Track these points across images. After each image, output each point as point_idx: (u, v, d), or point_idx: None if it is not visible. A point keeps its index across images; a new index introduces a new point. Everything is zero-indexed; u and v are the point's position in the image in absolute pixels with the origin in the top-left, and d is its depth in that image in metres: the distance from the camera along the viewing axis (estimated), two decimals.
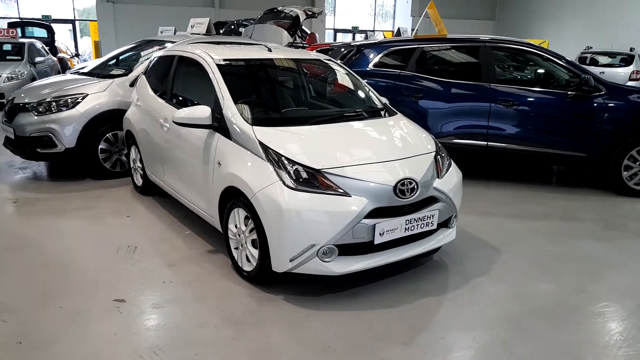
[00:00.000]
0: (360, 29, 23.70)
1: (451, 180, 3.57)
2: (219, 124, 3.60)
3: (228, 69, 3.96)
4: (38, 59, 11.57)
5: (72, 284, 3.39)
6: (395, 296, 3.31)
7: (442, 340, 2.85)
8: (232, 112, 3.54)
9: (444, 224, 3.58)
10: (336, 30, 24.40)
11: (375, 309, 3.15)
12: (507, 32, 21.70)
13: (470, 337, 2.88)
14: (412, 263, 3.72)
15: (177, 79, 4.54)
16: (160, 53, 5.06)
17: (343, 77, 4.52)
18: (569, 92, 5.60)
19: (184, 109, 3.73)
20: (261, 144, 3.25)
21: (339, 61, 4.76)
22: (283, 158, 3.14)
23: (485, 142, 5.83)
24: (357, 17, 24.70)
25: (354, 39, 22.48)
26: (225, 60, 4.03)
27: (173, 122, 3.77)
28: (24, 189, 5.43)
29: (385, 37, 15.60)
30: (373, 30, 23.28)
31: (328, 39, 22.58)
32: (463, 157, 6.14)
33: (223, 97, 3.67)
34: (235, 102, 3.63)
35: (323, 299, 3.23)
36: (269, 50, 4.39)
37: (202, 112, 3.62)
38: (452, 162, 3.78)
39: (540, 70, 6.43)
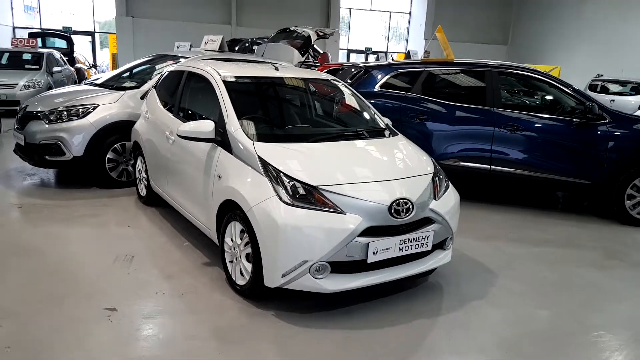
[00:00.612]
0: (373, 50, 23.92)
1: (448, 202, 3.58)
2: (221, 139, 3.66)
3: (234, 86, 4.04)
4: (55, 68, 11.83)
5: (68, 291, 3.43)
6: (388, 316, 3.30)
7: None
8: (235, 127, 3.61)
9: (440, 246, 3.59)
10: (350, 51, 24.66)
11: (367, 328, 3.15)
12: (520, 57, 21.76)
13: None
14: (407, 284, 3.72)
15: (185, 94, 4.63)
16: (171, 68, 5.17)
17: (347, 97, 4.58)
18: (574, 119, 5.61)
19: (189, 122, 3.81)
20: (260, 159, 3.30)
21: (343, 82, 4.81)
22: (281, 174, 3.19)
23: (489, 166, 5.84)
24: (370, 38, 24.95)
25: (366, 59, 22.68)
26: (231, 77, 4.11)
27: (177, 135, 3.84)
28: (31, 195, 5.52)
29: (394, 59, 15.74)
30: (385, 52, 23.48)
31: (341, 59, 22.82)
32: (466, 180, 6.17)
33: (227, 112, 3.74)
34: (239, 117, 3.69)
35: (315, 316, 3.24)
36: (276, 68, 4.48)
37: (205, 126, 3.69)
38: (450, 185, 3.80)
39: (546, 97, 6.46)
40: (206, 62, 4.58)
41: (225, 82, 3.98)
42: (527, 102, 6.95)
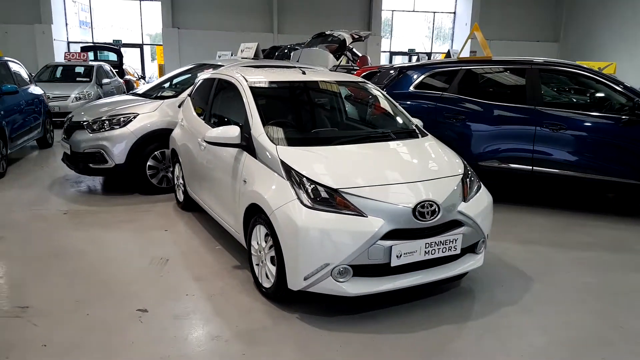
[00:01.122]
0: (417, 51, 23.63)
1: (479, 204, 3.47)
2: (247, 143, 3.71)
3: (260, 91, 4.09)
4: (105, 80, 12.38)
5: (103, 293, 3.56)
6: (413, 321, 3.24)
7: None
8: (259, 132, 3.65)
9: (471, 250, 3.48)
10: (392, 53, 24.47)
11: (392, 332, 3.10)
12: (572, 55, 20.96)
13: None
14: (436, 288, 3.64)
15: (215, 100, 4.73)
16: (205, 76, 5.29)
17: (375, 98, 4.54)
18: (622, 117, 5.33)
19: (216, 128, 3.88)
20: (283, 162, 3.32)
21: (371, 83, 4.77)
22: (303, 177, 3.19)
23: (531, 167, 5.63)
24: (414, 40, 24.68)
25: (409, 61, 22.44)
26: (258, 82, 4.17)
27: (205, 141, 3.93)
28: (76, 202, 5.78)
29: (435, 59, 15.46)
30: (427, 53, 23.15)
31: (384, 61, 22.69)
32: (507, 181, 5.98)
33: (252, 117, 3.79)
34: (265, 122, 3.74)
35: (338, 319, 3.22)
36: (303, 73, 4.50)
37: (231, 131, 3.75)
38: (482, 186, 3.68)
39: (592, 94, 6.16)
40: (235, 69, 4.66)
41: (252, 88, 4.03)
42: (572, 100, 6.67)
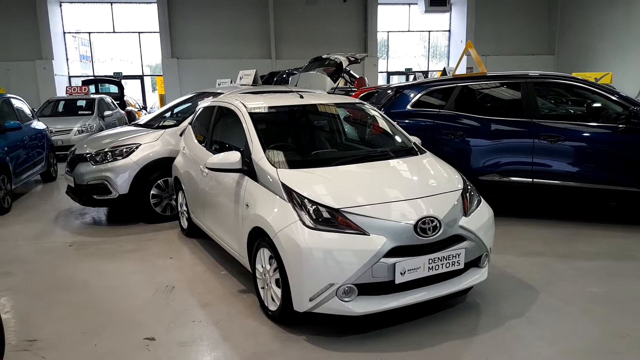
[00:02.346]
0: (413, 70, 23.86)
1: (480, 218, 3.50)
2: (248, 168, 3.76)
3: (259, 116, 4.17)
4: (107, 112, 12.54)
5: (109, 322, 3.57)
6: (420, 338, 3.24)
7: None
8: (259, 156, 3.70)
9: (475, 264, 3.50)
10: (389, 73, 24.71)
11: (399, 350, 3.10)
12: (568, 67, 21.10)
13: None
14: (442, 304, 3.64)
15: (216, 127, 4.80)
16: (205, 104, 5.37)
17: (373, 118, 4.60)
18: (619, 125, 5.38)
19: (217, 154, 3.94)
20: (284, 185, 3.36)
21: (368, 103, 4.85)
22: (304, 199, 3.23)
23: (531, 179, 5.67)
24: (411, 59, 24.94)
25: (406, 80, 22.64)
26: (257, 108, 4.24)
27: (206, 167, 3.98)
28: (81, 233, 5.82)
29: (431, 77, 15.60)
30: (424, 72, 23.37)
31: (381, 82, 22.90)
32: (508, 194, 6.01)
33: (252, 141, 3.86)
34: (265, 146, 3.79)
35: (346, 339, 3.22)
36: (301, 96, 4.58)
37: (232, 157, 3.81)
38: (483, 200, 3.71)
39: (588, 104, 6.23)
40: (235, 96, 4.74)
41: (251, 114, 4.11)
42: (568, 111, 6.73)
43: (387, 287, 3.12)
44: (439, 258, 3.20)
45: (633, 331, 3.29)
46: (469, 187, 3.70)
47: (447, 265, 3.25)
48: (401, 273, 3.08)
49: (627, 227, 5.49)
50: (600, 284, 4.05)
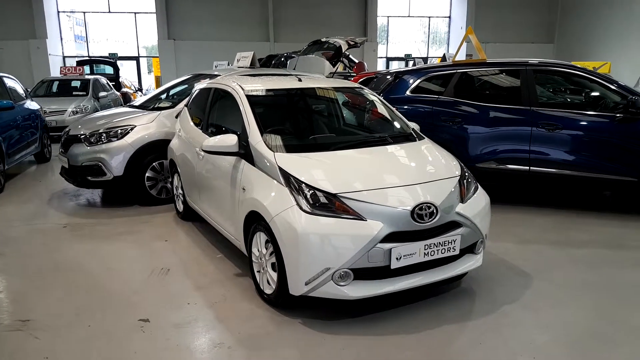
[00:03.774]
0: (413, 56, 23.74)
1: (476, 205, 3.49)
2: (245, 151, 3.73)
3: (257, 99, 4.12)
4: (102, 93, 12.40)
5: (104, 304, 3.56)
6: (415, 322, 3.25)
7: None
8: (256, 139, 3.67)
9: (470, 250, 3.50)
10: (389, 59, 24.57)
11: (394, 334, 3.11)
12: (568, 55, 21.06)
13: None
14: (437, 289, 3.65)
15: (213, 110, 4.75)
16: (201, 86, 5.32)
17: (372, 104, 4.57)
18: (617, 115, 5.37)
19: (214, 137, 3.90)
20: (281, 169, 3.34)
21: (367, 88, 4.81)
22: (301, 183, 3.21)
23: (528, 167, 5.66)
24: (410, 45, 24.79)
25: (406, 66, 22.52)
26: (254, 90, 4.20)
27: (203, 150, 3.95)
28: (75, 215, 5.79)
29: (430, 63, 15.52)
30: (424, 58, 23.26)
31: (381, 67, 22.78)
32: (504, 182, 6.01)
33: (249, 125, 3.82)
34: (262, 130, 3.76)
35: (341, 323, 3.23)
36: (299, 80, 4.53)
37: (229, 140, 3.78)
38: (480, 187, 3.71)
39: (586, 93, 6.21)
40: (232, 78, 4.69)
41: (248, 96, 4.06)
42: (567, 100, 6.71)
43: (383, 272, 3.12)
44: (434, 244, 3.20)
45: (625, 318, 3.32)
46: (466, 173, 3.69)
47: (443, 251, 3.25)
48: (397, 258, 3.08)
49: (621, 216, 5.51)
50: (593, 271, 4.07)
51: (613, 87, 5.54)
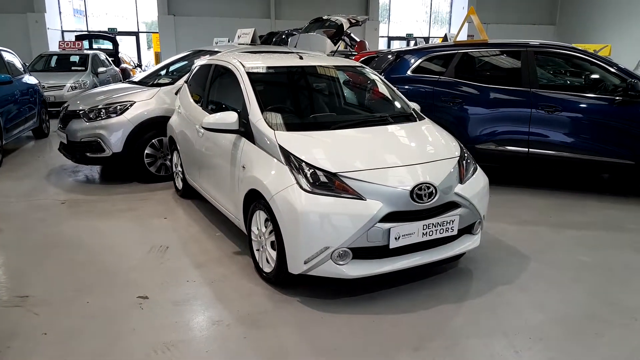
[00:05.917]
0: (415, 36, 23.51)
1: (475, 185, 3.50)
2: (245, 129, 3.72)
3: (257, 76, 4.09)
4: (101, 69, 12.28)
5: (102, 281, 3.59)
6: (412, 301, 3.28)
7: (453, 347, 2.81)
8: (257, 117, 3.65)
9: (468, 230, 3.52)
10: (390, 38, 24.33)
11: (392, 313, 3.14)
12: (569, 37, 20.87)
13: (482, 345, 2.82)
14: (434, 269, 3.68)
15: (213, 87, 4.71)
16: (201, 62, 5.27)
17: (373, 83, 4.54)
18: (616, 97, 5.34)
19: (214, 114, 3.88)
20: (281, 147, 3.33)
21: (368, 67, 4.77)
22: (302, 162, 3.20)
23: (527, 149, 5.66)
24: (412, 25, 24.53)
25: (407, 45, 22.31)
26: (255, 68, 4.16)
27: (203, 127, 3.93)
28: (74, 191, 5.79)
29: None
30: (425, 38, 23.04)
31: (382, 46, 22.58)
32: (503, 163, 6.01)
33: (250, 102, 3.80)
34: (263, 107, 3.73)
35: (339, 302, 3.26)
36: (300, 57, 4.49)
37: (229, 117, 3.76)
38: (479, 168, 3.71)
39: (586, 75, 6.16)
40: (232, 55, 4.64)
41: (249, 74, 4.03)
42: (567, 82, 6.68)
43: (382, 252, 3.14)
44: (433, 224, 3.21)
45: (621, 299, 3.36)
46: (465, 154, 3.69)
47: (441, 231, 3.27)
48: (396, 238, 3.09)
49: (619, 199, 5.53)
50: (590, 253, 4.10)
51: (613, 70, 5.51)
